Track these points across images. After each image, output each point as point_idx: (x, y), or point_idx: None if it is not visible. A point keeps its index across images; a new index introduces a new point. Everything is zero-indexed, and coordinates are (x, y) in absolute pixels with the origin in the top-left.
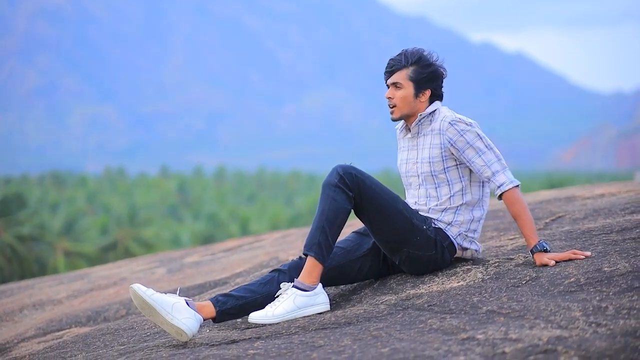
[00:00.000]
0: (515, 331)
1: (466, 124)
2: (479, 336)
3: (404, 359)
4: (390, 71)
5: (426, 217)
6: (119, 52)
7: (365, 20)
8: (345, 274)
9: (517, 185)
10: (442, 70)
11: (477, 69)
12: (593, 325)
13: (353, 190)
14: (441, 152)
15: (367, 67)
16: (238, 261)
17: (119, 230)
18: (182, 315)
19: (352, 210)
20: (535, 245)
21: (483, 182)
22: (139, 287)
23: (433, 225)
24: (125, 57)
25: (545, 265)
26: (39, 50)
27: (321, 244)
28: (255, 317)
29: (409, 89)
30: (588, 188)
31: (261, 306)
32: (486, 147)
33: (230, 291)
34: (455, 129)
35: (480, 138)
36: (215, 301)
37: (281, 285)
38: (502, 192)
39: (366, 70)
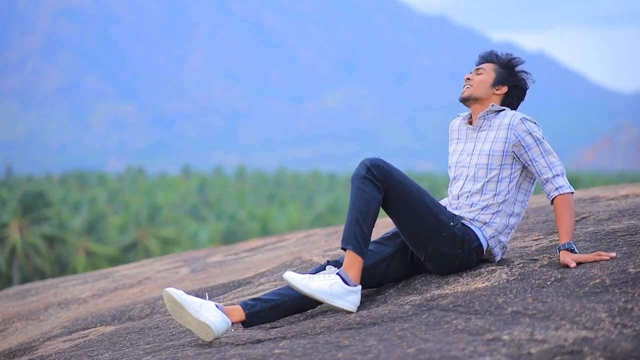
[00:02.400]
0: (541, 332)
1: (535, 123)
2: (505, 337)
3: (430, 359)
4: (480, 62)
5: (454, 215)
6: (140, 50)
7: (386, 18)
8: (373, 274)
9: (573, 192)
10: (524, 79)
11: None
12: (619, 326)
13: (381, 182)
14: (504, 147)
15: (387, 66)
16: (261, 261)
17: (138, 230)
18: (209, 313)
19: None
20: (564, 243)
21: (527, 191)
22: (172, 290)
23: (461, 222)
24: (146, 55)
25: (567, 265)
26: (61, 49)
27: (357, 236)
28: (290, 275)
29: (489, 75)
30: (612, 189)
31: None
32: (550, 149)
33: (260, 296)
34: (526, 127)
35: (544, 140)
36: (244, 305)
37: (327, 266)
38: (559, 194)
39: (387, 69)
